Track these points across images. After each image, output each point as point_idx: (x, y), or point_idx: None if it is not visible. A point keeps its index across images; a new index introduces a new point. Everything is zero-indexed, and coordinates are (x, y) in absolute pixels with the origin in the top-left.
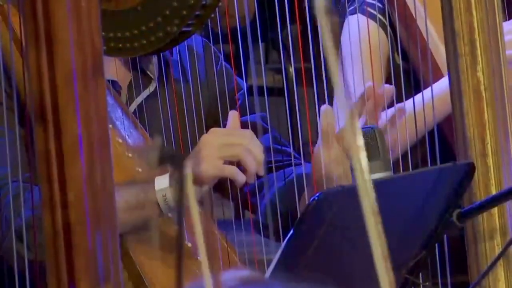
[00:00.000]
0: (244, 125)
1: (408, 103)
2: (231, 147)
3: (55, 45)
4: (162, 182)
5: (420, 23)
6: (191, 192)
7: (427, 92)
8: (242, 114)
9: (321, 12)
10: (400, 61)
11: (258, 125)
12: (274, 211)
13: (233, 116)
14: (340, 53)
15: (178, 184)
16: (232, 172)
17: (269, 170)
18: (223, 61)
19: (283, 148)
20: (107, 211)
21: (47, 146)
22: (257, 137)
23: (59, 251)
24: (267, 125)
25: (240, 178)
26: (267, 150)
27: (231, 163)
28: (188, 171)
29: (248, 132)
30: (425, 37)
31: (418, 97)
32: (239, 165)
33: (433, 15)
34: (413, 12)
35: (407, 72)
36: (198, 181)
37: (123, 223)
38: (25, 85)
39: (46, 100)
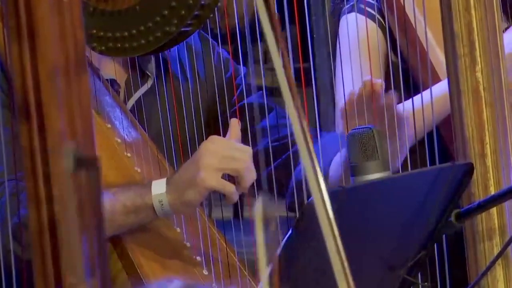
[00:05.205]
0: (242, 108)
1: (407, 104)
2: (233, 161)
3: (38, 40)
4: (159, 187)
5: (418, 26)
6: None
7: (426, 94)
8: (242, 99)
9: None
10: (398, 59)
11: (255, 105)
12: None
13: (234, 125)
14: (338, 52)
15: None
16: (232, 190)
17: (280, 147)
18: (220, 49)
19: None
20: (93, 206)
21: (31, 142)
22: (254, 120)
23: (45, 246)
24: (267, 102)
25: (235, 198)
26: (272, 128)
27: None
28: (187, 176)
29: (249, 149)
30: (422, 39)
31: (417, 98)
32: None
33: (431, 18)
34: (410, 16)
35: (404, 70)
36: (195, 188)
37: (119, 225)
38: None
39: (29, 96)
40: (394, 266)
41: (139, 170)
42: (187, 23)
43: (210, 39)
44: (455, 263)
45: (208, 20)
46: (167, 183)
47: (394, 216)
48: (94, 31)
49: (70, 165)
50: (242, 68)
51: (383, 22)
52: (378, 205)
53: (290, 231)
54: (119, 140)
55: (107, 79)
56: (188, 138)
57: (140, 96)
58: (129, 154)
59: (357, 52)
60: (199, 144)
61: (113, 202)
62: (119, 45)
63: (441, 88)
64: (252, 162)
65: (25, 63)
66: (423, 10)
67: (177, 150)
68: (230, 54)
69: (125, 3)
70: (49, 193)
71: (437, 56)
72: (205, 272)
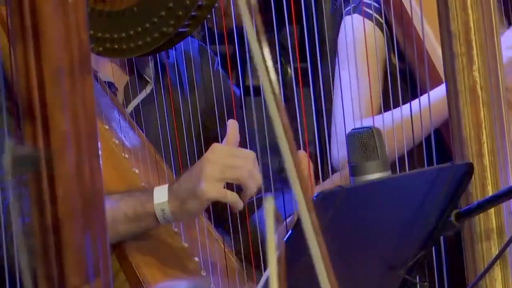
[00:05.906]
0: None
1: (405, 109)
2: (234, 169)
3: (42, 41)
4: (161, 195)
5: (417, 24)
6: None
7: (423, 99)
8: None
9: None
10: (396, 61)
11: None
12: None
13: (232, 126)
14: (337, 54)
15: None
16: (234, 199)
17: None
18: (219, 65)
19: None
20: (96, 207)
21: (35, 143)
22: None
23: (48, 247)
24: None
25: (239, 206)
26: None
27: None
28: (189, 187)
29: (251, 154)
30: (421, 38)
31: (414, 102)
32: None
33: (430, 16)
34: (409, 14)
35: (403, 72)
36: (196, 199)
37: (121, 234)
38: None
39: (34, 96)
40: (394, 266)
41: (137, 171)
42: (184, 23)
43: (210, 51)
44: (453, 264)
45: (205, 21)
46: (169, 191)
47: (394, 216)
48: (92, 32)
49: (10, 164)
50: (238, 92)
51: (383, 22)
52: (378, 205)
53: (290, 231)
54: (117, 142)
55: (104, 81)
56: (186, 143)
57: (138, 103)
58: (127, 155)
59: (358, 58)
60: (197, 150)
61: (114, 211)
62: (117, 46)
63: (437, 93)
64: (256, 167)
65: (30, 64)
66: (420, 5)
67: (175, 155)
68: (228, 54)
69: (122, 4)
70: (53, 194)
71: (435, 48)
72: (203, 273)
